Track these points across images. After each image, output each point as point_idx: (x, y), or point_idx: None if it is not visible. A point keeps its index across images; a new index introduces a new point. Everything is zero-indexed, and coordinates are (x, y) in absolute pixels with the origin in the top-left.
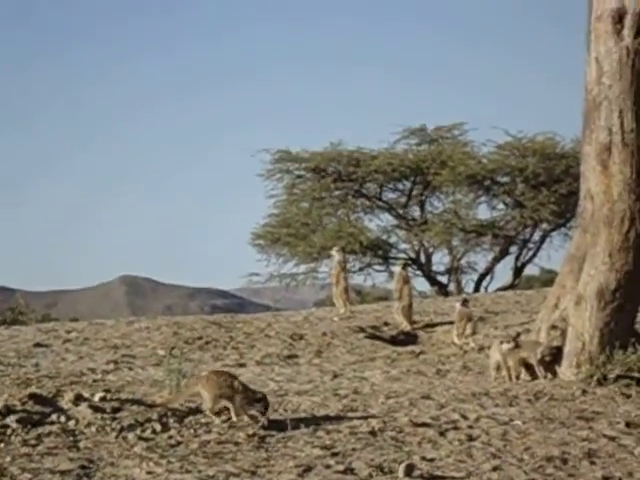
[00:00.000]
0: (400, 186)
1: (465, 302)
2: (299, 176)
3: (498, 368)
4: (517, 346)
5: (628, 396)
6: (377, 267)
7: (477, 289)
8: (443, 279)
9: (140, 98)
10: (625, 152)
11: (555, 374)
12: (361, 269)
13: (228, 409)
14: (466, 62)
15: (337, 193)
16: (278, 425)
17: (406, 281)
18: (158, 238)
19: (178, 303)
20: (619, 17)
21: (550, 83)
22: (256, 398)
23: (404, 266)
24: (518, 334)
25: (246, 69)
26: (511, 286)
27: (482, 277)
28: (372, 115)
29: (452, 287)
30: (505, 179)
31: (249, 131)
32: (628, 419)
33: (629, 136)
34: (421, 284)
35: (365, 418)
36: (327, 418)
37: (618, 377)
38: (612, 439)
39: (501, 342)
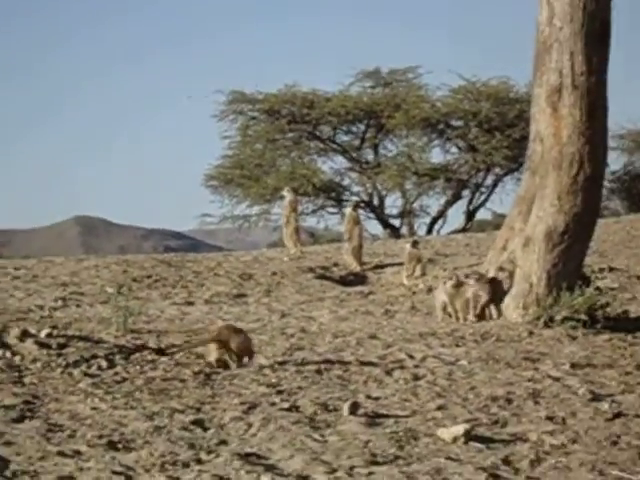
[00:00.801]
0: (354, 129)
1: (415, 244)
2: (253, 117)
3: (444, 308)
4: (459, 284)
5: (574, 338)
6: (330, 209)
7: (429, 232)
8: (396, 222)
9: (103, 47)
10: (575, 95)
11: (500, 314)
12: (314, 211)
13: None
14: (421, 5)
15: (291, 135)
16: (224, 362)
17: (356, 222)
18: (113, 179)
19: (132, 244)
20: None
21: (506, 26)
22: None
23: (355, 207)
24: (466, 276)
25: (202, 10)
26: (463, 230)
27: (434, 220)
28: (327, 57)
29: (405, 230)
30: (459, 123)
31: (204, 72)
32: (573, 360)
33: (579, 79)
34: (374, 227)
35: (312, 357)
36: (274, 356)
37: (564, 319)
38: (557, 380)
39: (444, 282)
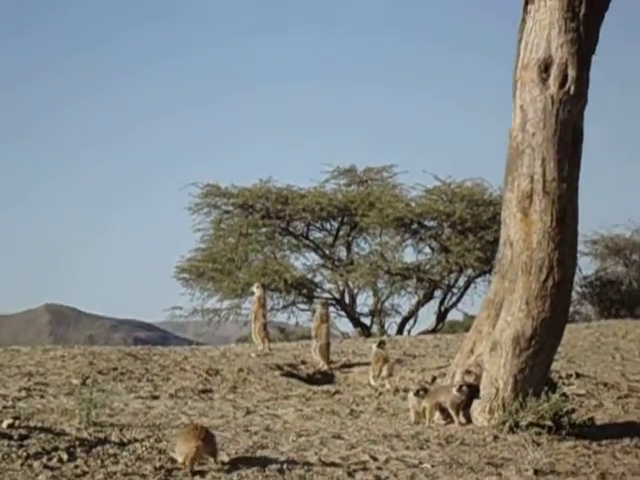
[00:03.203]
0: (327, 226)
1: (381, 344)
2: (227, 211)
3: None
4: (424, 395)
5: (538, 444)
6: (301, 306)
7: (400, 332)
8: (367, 320)
9: (68, 133)
10: (546, 200)
11: (469, 419)
12: (285, 307)
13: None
14: (397, 108)
15: (264, 230)
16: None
17: (324, 320)
18: (83, 267)
19: (101, 334)
20: (545, 66)
21: (481, 130)
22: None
23: (323, 305)
24: (434, 378)
25: (176, 99)
26: (434, 330)
27: (405, 320)
28: (303, 153)
29: (375, 329)
30: (432, 223)
31: (178, 164)
32: (537, 467)
33: (550, 185)
34: (345, 325)
35: (274, 456)
36: (236, 454)
37: (530, 424)
38: None
39: (414, 393)
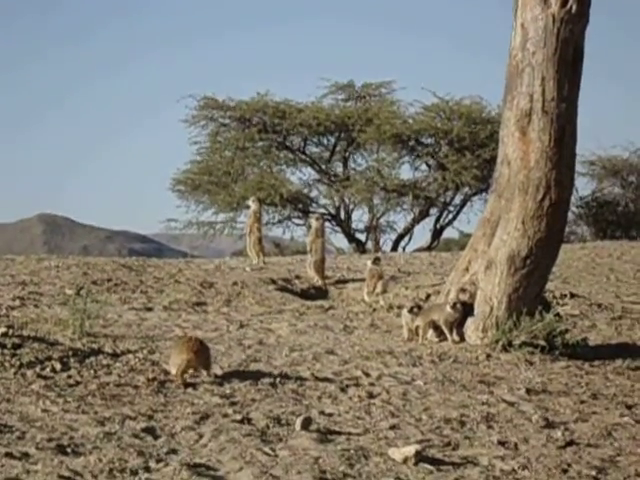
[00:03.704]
0: (324, 141)
1: (376, 260)
2: (224, 124)
3: (408, 330)
4: (418, 312)
5: (531, 363)
6: (296, 220)
7: (395, 249)
8: (362, 237)
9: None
10: (545, 120)
11: (462, 337)
12: (280, 221)
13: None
14: (397, 23)
15: (261, 144)
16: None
17: (319, 235)
18: (79, 178)
19: (96, 245)
20: None
21: (479, 47)
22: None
23: (318, 219)
24: (428, 296)
25: (177, 17)
26: (429, 248)
27: (400, 237)
28: (301, 68)
29: (370, 245)
30: (430, 140)
31: (176, 78)
32: (529, 386)
33: (550, 104)
34: (340, 240)
35: (267, 369)
36: (229, 367)
37: (523, 344)
38: (511, 404)
39: (408, 310)
